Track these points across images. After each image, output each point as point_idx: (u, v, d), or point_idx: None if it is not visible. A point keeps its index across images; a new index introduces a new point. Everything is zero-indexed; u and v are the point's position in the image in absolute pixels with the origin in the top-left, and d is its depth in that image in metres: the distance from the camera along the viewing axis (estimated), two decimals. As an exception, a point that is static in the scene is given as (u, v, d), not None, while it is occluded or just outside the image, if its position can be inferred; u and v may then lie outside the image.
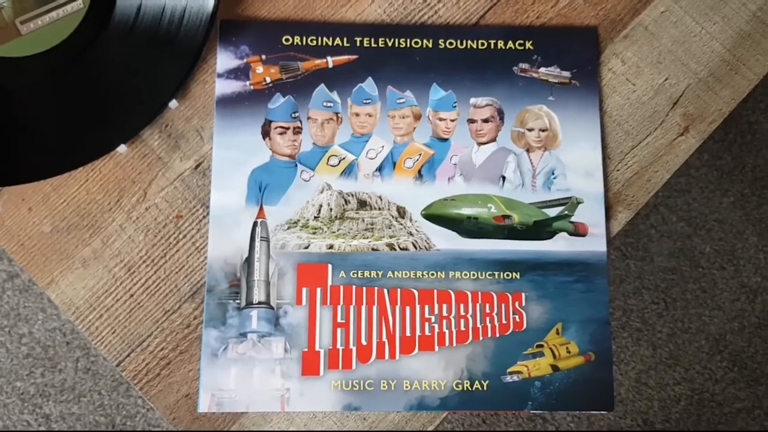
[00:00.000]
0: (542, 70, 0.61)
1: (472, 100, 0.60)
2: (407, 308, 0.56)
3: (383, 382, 0.54)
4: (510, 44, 0.61)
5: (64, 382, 1.16)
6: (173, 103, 0.58)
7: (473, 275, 0.56)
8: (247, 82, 0.59)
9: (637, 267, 1.25)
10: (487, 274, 0.56)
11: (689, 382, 1.23)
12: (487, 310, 0.56)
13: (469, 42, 0.61)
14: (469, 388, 0.54)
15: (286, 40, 0.61)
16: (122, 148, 0.57)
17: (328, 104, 0.59)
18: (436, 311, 0.56)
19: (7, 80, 0.52)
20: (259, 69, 0.60)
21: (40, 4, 0.50)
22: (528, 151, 0.59)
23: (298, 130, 0.59)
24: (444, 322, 0.55)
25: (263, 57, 0.60)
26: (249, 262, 0.56)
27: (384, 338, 0.55)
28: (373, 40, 0.61)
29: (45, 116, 0.55)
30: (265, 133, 0.58)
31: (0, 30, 0.49)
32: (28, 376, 1.17)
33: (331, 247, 0.56)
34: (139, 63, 0.56)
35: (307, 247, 0.56)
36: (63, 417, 1.15)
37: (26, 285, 1.19)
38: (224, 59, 0.60)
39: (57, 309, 1.18)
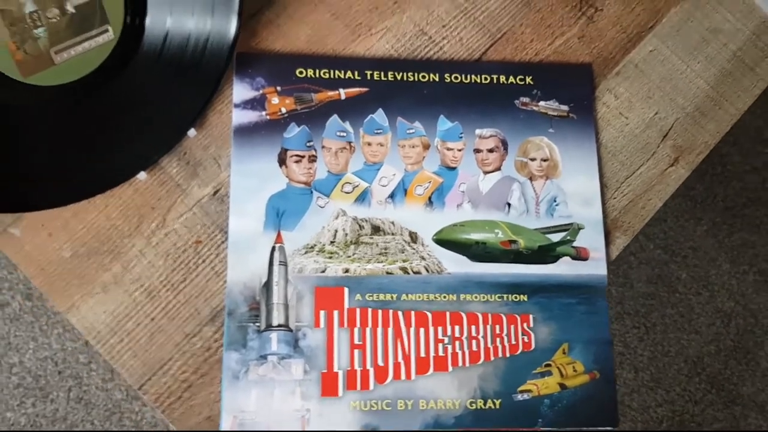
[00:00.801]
0: (542, 103, 0.65)
1: (477, 131, 0.63)
2: (421, 330, 0.58)
3: (400, 402, 0.56)
4: (511, 79, 0.65)
5: (56, 412, 1.14)
6: (192, 132, 0.60)
7: (483, 298, 0.59)
8: (263, 113, 0.62)
9: (618, 293, 1.30)
10: (496, 296, 0.59)
11: (670, 404, 1.28)
12: (497, 331, 0.58)
13: (472, 76, 0.65)
14: (483, 407, 0.57)
15: (300, 72, 0.63)
16: (142, 175, 0.59)
17: (341, 134, 0.62)
18: (449, 332, 0.58)
19: (37, 108, 0.53)
20: (275, 100, 0.62)
21: (74, 35, 0.52)
22: (531, 179, 0.63)
23: (313, 159, 0.61)
24: (457, 343, 0.58)
25: (278, 89, 0.62)
26: (268, 285, 0.57)
27: (400, 359, 0.57)
28: (382, 73, 0.64)
29: (69, 143, 0.56)
30: (282, 161, 0.61)
31: (35, 59, 0.51)
32: (19, 407, 1.15)
33: (347, 271, 0.58)
34: (162, 92, 0.58)
35: (323, 271, 0.58)
36: (54, 447, 1.14)
37: (17, 314, 1.17)
38: (240, 90, 0.62)
39: (48, 338, 1.17)
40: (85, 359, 1.17)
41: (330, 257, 0.59)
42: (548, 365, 0.58)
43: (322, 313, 0.57)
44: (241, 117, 0.61)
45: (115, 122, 0.57)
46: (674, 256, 1.34)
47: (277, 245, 0.58)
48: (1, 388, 1.15)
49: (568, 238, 0.61)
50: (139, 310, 0.57)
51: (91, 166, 0.57)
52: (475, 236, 0.60)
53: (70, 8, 0.51)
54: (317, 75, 0.63)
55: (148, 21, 0.55)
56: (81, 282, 0.57)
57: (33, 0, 0.50)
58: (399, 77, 0.64)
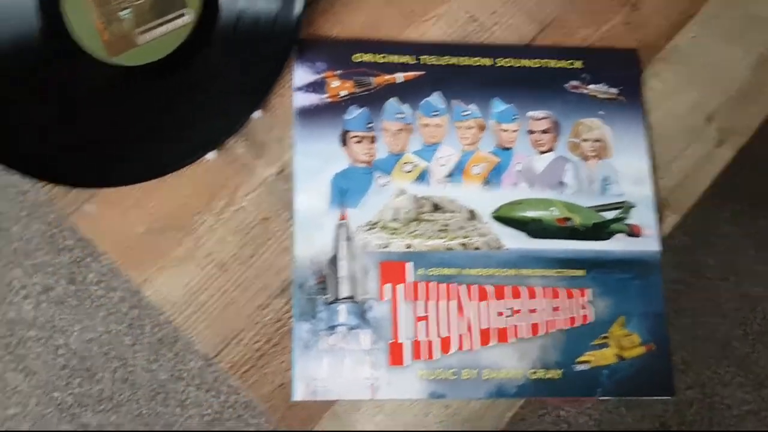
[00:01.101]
0: (591, 86, 0.67)
1: (530, 113, 0.65)
2: (482, 303, 0.60)
3: (465, 371, 0.58)
4: (561, 63, 0.67)
5: (102, 392, 1.16)
6: (257, 114, 0.62)
7: (541, 273, 0.61)
8: (324, 95, 0.64)
9: (646, 279, 1.34)
10: (554, 271, 0.61)
11: (701, 386, 1.30)
12: (556, 305, 0.60)
13: (524, 61, 0.67)
14: (544, 377, 0.59)
15: (357, 57, 0.65)
16: (211, 155, 0.61)
17: (400, 116, 0.64)
18: (509, 306, 0.60)
19: (119, 89, 0.55)
20: (335, 83, 0.64)
21: (156, 17, 0.54)
22: (584, 159, 0.65)
23: (373, 139, 0.63)
24: (517, 315, 0.60)
25: (338, 72, 0.64)
26: (335, 260, 0.59)
27: (463, 330, 0.59)
28: (437, 58, 0.66)
29: (146, 123, 0.58)
30: (343, 142, 0.63)
31: (120, 39, 0.53)
32: (66, 387, 1.17)
33: (409, 246, 0.61)
34: (232, 73, 0.60)
35: (386, 247, 0.60)
36: (101, 426, 1.15)
37: (61, 297, 1.19)
38: (301, 74, 0.64)
39: (93, 320, 1.19)
40: (129, 341, 1.20)
41: (392, 233, 0.61)
42: (605, 337, 0.60)
43: (386, 286, 0.59)
44: (303, 100, 0.63)
45: (188, 103, 0.59)
46: (701, 243, 1.37)
47: (342, 222, 0.61)
48: (48, 369, 1.18)
49: (622, 215, 0.63)
50: (211, 283, 0.59)
51: (164, 146, 0.59)
52: (532, 213, 0.63)
53: (153, -9, 0.53)
54: (374, 59, 0.65)
55: (223, 2, 0.57)
56: (155, 257, 0.59)
57: (120, -18, 0.52)
58: (453, 61, 0.66)
